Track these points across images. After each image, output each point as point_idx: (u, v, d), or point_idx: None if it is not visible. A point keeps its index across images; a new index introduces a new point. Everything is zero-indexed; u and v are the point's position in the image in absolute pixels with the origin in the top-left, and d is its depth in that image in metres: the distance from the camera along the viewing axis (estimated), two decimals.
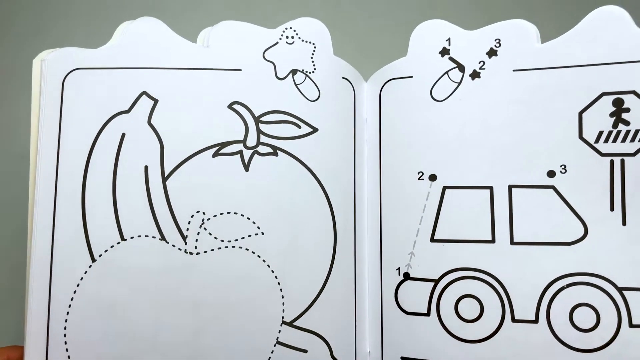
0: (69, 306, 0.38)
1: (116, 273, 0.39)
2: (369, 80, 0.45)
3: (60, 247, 0.39)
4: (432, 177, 0.43)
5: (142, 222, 0.40)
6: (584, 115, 0.40)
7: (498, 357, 0.41)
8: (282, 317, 0.41)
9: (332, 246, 0.43)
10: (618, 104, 0.39)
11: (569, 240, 0.40)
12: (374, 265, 0.44)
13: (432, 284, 0.42)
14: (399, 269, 0.43)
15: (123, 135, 0.40)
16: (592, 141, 0.40)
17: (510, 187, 0.41)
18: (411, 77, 0.44)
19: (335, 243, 0.43)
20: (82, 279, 0.38)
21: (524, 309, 0.41)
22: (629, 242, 0.39)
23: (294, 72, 0.42)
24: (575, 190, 0.40)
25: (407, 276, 0.43)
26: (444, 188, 0.42)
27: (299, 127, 0.42)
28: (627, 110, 0.39)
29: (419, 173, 0.43)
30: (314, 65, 0.43)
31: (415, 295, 0.43)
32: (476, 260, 0.42)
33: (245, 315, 0.40)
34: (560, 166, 0.40)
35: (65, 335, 0.38)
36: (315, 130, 0.43)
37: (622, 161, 0.39)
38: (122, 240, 0.39)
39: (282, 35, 0.42)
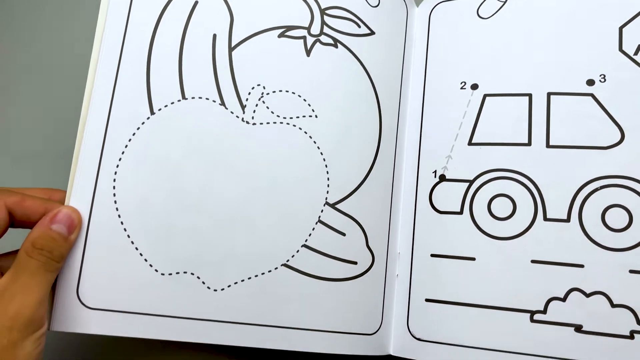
0: (122, 153, 0.33)
1: (173, 129, 0.34)
2: (421, 5, 0.42)
3: (121, 95, 0.33)
4: (474, 86, 0.39)
5: (204, 85, 0.35)
6: (624, 29, 0.36)
7: (528, 253, 0.36)
8: (326, 199, 0.36)
9: (376, 141, 0.38)
10: None
11: (605, 145, 0.35)
12: (411, 167, 0.39)
13: (467, 184, 0.38)
14: (435, 171, 0.39)
15: (196, 2, 0.35)
16: (631, 54, 0.36)
17: (549, 94, 0.37)
18: None
19: (380, 139, 0.39)
20: (138, 129, 0.33)
21: (557, 209, 0.36)
22: None
23: None
24: (614, 98, 0.36)
25: (442, 178, 0.38)
26: (485, 96, 0.38)
27: (359, 26, 0.39)
28: None
29: (461, 83, 0.39)
30: None
31: (450, 196, 0.38)
32: (511, 162, 0.37)
33: (292, 190, 0.36)
34: (600, 75, 0.36)
35: (114, 181, 0.33)
36: (372, 33, 0.39)
37: None
38: (183, 98, 0.34)
39: None
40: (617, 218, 0.35)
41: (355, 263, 0.37)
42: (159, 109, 0.34)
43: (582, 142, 0.36)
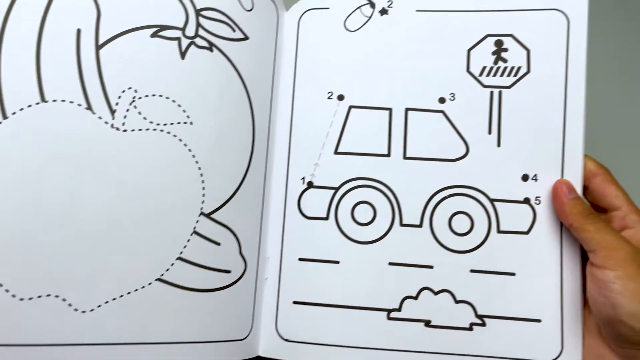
0: None
1: (31, 136, 0.31)
2: (290, 9, 0.42)
3: None
4: (340, 97, 0.41)
5: (68, 86, 0.32)
6: (471, 52, 0.40)
7: (386, 256, 0.39)
8: (202, 209, 0.36)
9: (250, 148, 0.39)
10: (499, 44, 0.40)
11: (452, 157, 0.39)
12: (281, 174, 0.41)
13: (332, 191, 0.40)
14: (303, 178, 0.40)
15: None
16: (476, 74, 0.40)
17: (407, 109, 0.40)
18: (328, 8, 0.41)
19: (253, 146, 0.39)
20: None
21: (411, 215, 0.39)
22: (501, 161, 0.39)
23: None
24: (461, 115, 0.40)
25: (310, 184, 0.40)
26: (350, 107, 0.40)
27: (234, 30, 0.38)
28: (506, 50, 0.39)
29: (328, 93, 0.41)
30: None
31: (317, 202, 0.40)
32: (373, 171, 0.40)
33: (166, 201, 0.35)
34: (450, 94, 0.40)
35: None
36: (246, 37, 0.39)
37: (500, 92, 0.39)
38: (42, 100, 0.31)
39: None
40: (461, 223, 0.39)
41: (229, 272, 0.38)
42: (13, 113, 0.31)
43: (434, 155, 0.40)
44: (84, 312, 0.32)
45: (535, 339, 0.38)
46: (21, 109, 0.31)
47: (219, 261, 0.37)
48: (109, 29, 0.34)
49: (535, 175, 0.39)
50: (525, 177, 0.39)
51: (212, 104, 0.37)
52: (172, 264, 0.35)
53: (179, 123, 0.35)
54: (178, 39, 0.36)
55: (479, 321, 0.38)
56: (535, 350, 0.38)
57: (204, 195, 0.36)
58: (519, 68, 0.40)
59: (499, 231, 0.39)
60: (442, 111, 0.40)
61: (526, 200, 0.39)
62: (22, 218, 0.30)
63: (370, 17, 0.41)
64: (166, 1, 0.36)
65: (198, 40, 0.37)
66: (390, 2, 0.41)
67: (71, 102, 0.32)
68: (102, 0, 0.33)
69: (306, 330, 0.39)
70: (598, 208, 0.39)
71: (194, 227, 0.36)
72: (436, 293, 0.39)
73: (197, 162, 0.36)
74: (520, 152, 0.39)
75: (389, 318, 0.39)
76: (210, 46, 0.37)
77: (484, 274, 0.39)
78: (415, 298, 0.39)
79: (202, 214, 0.36)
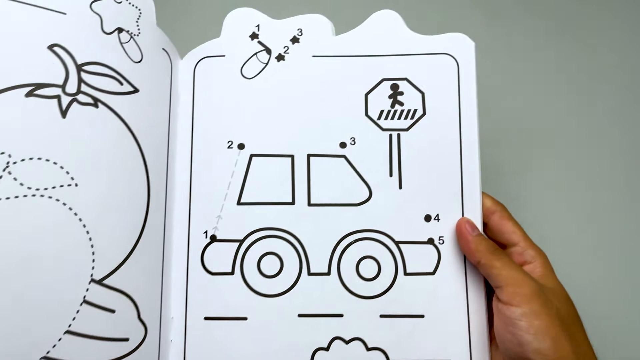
0: None
1: None
2: (185, 58, 0.41)
3: None
4: (241, 146, 0.40)
5: None
6: (369, 96, 0.40)
7: (295, 308, 0.38)
8: (92, 275, 0.33)
9: (145, 206, 0.37)
10: (394, 88, 0.40)
11: (356, 202, 0.39)
12: (182, 230, 0.39)
13: (237, 244, 0.39)
14: (206, 232, 0.39)
15: None
16: (375, 118, 0.40)
17: (309, 155, 0.40)
18: (224, 56, 0.41)
19: (149, 203, 0.37)
20: None
21: (319, 263, 0.39)
22: (403, 203, 0.39)
23: (119, 30, 0.36)
24: (362, 159, 0.40)
25: (213, 238, 0.39)
26: (251, 156, 0.39)
27: (122, 84, 0.36)
28: (402, 93, 0.40)
29: (228, 142, 0.40)
30: (138, 28, 0.38)
31: (221, 256, 0.39)
32: (278, 220, 0.39)
33: (50, 269, 0.32)
34: (350, 138, 0.40)
35: None
36: (136, 90, 0.37)
37: (399, 135, 0.40)
38: None
39: None
40: (368, 268, 0.39)
41: (126, 339, 0.35)
42: None
43: (338, 200, 0.40)
44: None
45: None
46: None
47: (115, 329, 0.35)
48: None
49: (437, 215, 0.40)
50: (427, 218, 0.40)
51: (100, 163, 0.35)
52: (60, 339, 0.32)
53: (62, 186, 0.33)
54: (58, 96, 0.33)
55: None
56: None
57: (93, 260, 0.34)
58: (415, 110, 0.40)
59: (406, 273, 0.39)
60: (343, 156, 0.40)
61: (430, 241, 0.39)
62: None
63: (267, 64, 0.41)
64: (42, 58, 0.33)
65: (81, 97, 0.34)
66: (286, 48, 0.41)
67: None
68: None
69: None
70: (497, 244, 0.39)
71: (84, 296, 0.33)
72: (347, 342, 0.38)
73: (84, 225, 0.34)
74: (422, 193, 0.40)
75: None
76: (95, 102, 0.35)
77: (393, 318, 0.39)
78: (327, 349, 0.38)
79: (92, 280, 0.34)
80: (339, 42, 0.41)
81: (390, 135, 0.40)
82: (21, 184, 0.32)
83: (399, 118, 0.40)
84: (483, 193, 0.40)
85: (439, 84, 0.40)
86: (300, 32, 0.41)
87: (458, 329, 0.39)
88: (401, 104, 0.41)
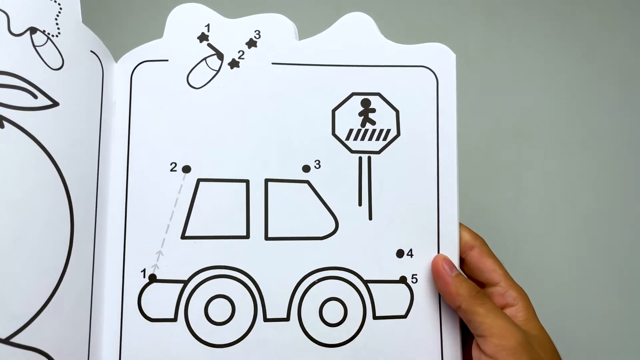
0: None
1: None
2: (120, 61, 0.35)
3: None
4: (186, 169, 0.34)
5: None
6: (336, 112, 0.35)
7: (250, 359, 0.33)
8: None
9: (67, 245, 0.30)
10: (366, 104, 0.35)
11: (321, 235, 0.34)
12: (115, 268, 0.33)
13: (181, 285, 0.33)
14: (144, 270, 0.33)
15: None
16: (343, 138, 0.35)
17: (267, 180, 0.34)
18: (167, 60, 0.34)
19: (72, 241, 0.31)
20: None
21: (276, 307, 0.34)
22: (374, 236, 0.35)
23: (33, 30, 0.30)
24: (328, 185, 0.35)
25: (153, 278, 0.33)
26: (198, 180, 0.34)
27: (36, 97, 0.29)
28: (374, 110, 0.35)
29: (171, 164, 0.34)
30: (58, 28, 0.31)
31: (162, 299, 0.33)
32: (230, 257, 0.33)
33: None
34: (315, 161, 0.35)
35: None
36: (55, 104, 0.30)
37: (369, 158, 0.35)
38: None
39: None
40: (333, 312, 0.34)
41: None
42: None
43: (300, 233, 0.35)
44: None
45: None
46: None
47: None
48: None
49: (410, 250, 0.35)
50: (400, 253, 0.35)
51: (5, 197, 0.28)
52: None
53: None
54: None
55: None
56: None
57: None
58: (388, 131, 0.36)
59: (375, 317, 0.35)
60: (307, 181, 0.35)
61: (402, 279, 0.35)
62: None
63: (218, 71, 0.35)
64: None
65: None
66: (241, 53, 0.35)
67: None
68: None
69: None
70: (475, 282, 0.36)
71: None
72: None
73: None
74: (394, 225, 0.35)
75: None
76: (1, 121, 0.28)
77: None
78: None
79: None
80: (302, 48, 0.36)
81: (360, 158, 0.35)
82: None
83: (370, 139, 0.36)
84: (461, 225, 0.36)
85: (415, 101, 0.36)
86: (258, 34, 0.35)
87: None
88: (373, 122, 0.36)
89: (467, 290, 0.34)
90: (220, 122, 0.34)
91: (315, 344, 0.34)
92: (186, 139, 0.34)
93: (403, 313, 0.35)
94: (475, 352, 0.34)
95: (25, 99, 0.29)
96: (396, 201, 0.35)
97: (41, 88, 0.30)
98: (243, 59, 0.35)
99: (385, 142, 0.36)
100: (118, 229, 0.33)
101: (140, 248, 0.33)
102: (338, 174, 0.35)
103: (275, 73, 0.35)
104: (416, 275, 0.35)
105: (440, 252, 0.35)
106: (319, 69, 0.35)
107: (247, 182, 0.34)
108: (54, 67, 0.31)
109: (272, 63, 0.35)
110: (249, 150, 0.35)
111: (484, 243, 0.36)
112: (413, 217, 0.35)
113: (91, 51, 0.33)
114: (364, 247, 0.35)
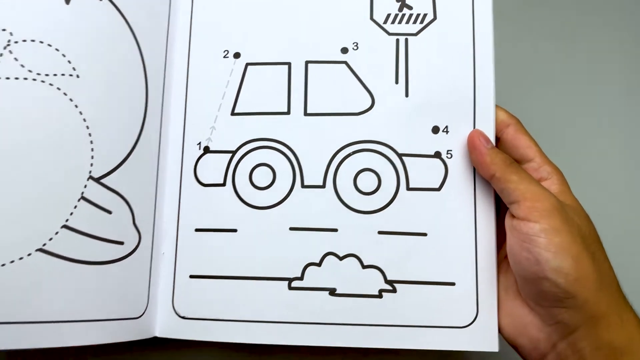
0: None
1: None
2: None
3: None
4: (237, 55, 0.38)
5: None
6: None
7: (287, 221, 0.36)
8: (90, 172, 0.33)
9: (143, 110, 0.36)
10: None
11: (357, 111, 0.36)
12: (177, 139, 0.38)
13: (230, 155, 0.37)
14: (199, 143, 0.37)
15: None
16: (381, 22, 0.37)
17: (307, 62, 0.37)
18: None
19: (146, 108, 0.36)
20: None
21: (313, 175, 0.36)
22: (409, 113, 0.36)
23: None
24: (365, 65, 0.37)
25: (207, 150, 0.37)
26: (247, 65, 0.38)
27: None
28: None
29: (224, 51, 0.38)
30: None
31: (213, 168, 0.37)
32: (272, 131, 0.37)
33: (48, 161, 0.31)
34: (353, 43, 0.37)
35: None
36: None
37: (407, 40, 0.37)
38: None
39: None
40: (367, 182, 0.36)
41: (122, 243, 0.35)
42: None
43: (337, 109, 0.37)
44: None
45: (450, 304, 0.35)
46: None
47: (111, 231, 0.34)
48: None
49: (446, 127, 0.36)
50: (435, 130, 0.36)
51: (101, 57, 0.34)
52: (57, 233, 0.31)
53: (63, 75, 0.32)
54: None
55: (388, 287, 0.35)
56: (449, 316, 0.35)
57: (92, 157, 0.33)
58: (424, 15, 0.37)
59: (409, 188, 0.36)
60: (344, 62, 0.37)
61: (437, 154, 0.36)
62: None
63: None
64: None
65: None
66: None
67: None
68: None
69: (203, 306, 0.36)
70: None
71: (82, 192, 0.33)
72: (341, 258, 0.36)
73: (84, 120, 0.33)
74: (430, 103, 0.36)
75: (290, 288, 0.35)
76: None
77: (393, 236, 0.35)
78: (319, 265, 0.36)
79: (90, 177, 0.33)
80: None
81: (397, 40, 0.37)
82: (22, 66, 0.31)
83: (407, 22, 0.37)
84: (496, 106, 0.36)
85: None
86: None
87: (464, 249, 0.35)
88: (410, 7, 0.37)
89: (502, 160, 0.34)
90: (266, 12, 0.38)
91: (349, 209, 0.36)
92: (237, 29, 0.39)
93: (437, 186, 0.36)
94: (508, 220, 0.34)
95: None
96: (433, 80, 0.36)
97: None
98: None
99: (422, 25, 0.37)
100: (180, 106, 0.38)
101: (197, 124, 0.38)
102: (375, 54, 0.37)
103: None
104: (451, 151, 0.36)
105: (476, 128, 0.36)
106: None
107: (289, 64, 0.38)
108: None
109: None
110: (291, 36, 0.38)
111: (519, 122, 0.36)
112: (449, 96, 0.36)
113: None
114: (400, 123, 0.36)
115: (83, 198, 0.33)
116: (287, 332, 0.35)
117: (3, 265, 0.30)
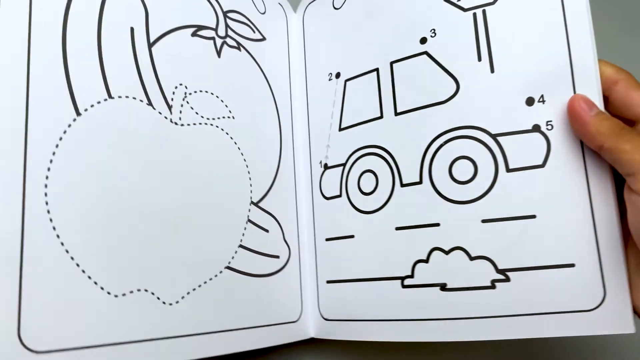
0: (51, 162, 0.28)
1: (103, 131, 0.31)
2: (297, 10, 0.45)
3: (37, 98, 0.28)
4: (337, 75, 0.41)
5: (129, 82, 0.33)
6: None
7: (392, 221, 0.37)
8: (251, 198, 0.39)
9: (279, 140, 0.42)
10: None
11: (443, 99, 0.35)
12: (305, 160, 0.43)
13: (342, 168, 0.40)
14: (321, 161, 0.41)
15: None
16: (455, 0, 0.35)
17: (392, 63, 0.38)
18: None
19: (281, 138, 0.42)
20: (65, 132, 0.29)
21: (410, 173, 0.36)
22: (498, 88, 0.33)
23: None
24: (445, 49, 0.35)
25: (326, 166, 0.41)
26: (345, 81, 0.40)
27: (254, 31, 0.42)
28: None
29: (329, 75, 0.41)
30: None
31: (332, 181, 0.40)
32: (370, 137, 0.38)
33: (223, 191, 0.37)
34: (430, 30, 0.36)
35: (46, 195, 0.28)
36: (264, 38, 0.42)
37: (484, 12, 0.34)
38: (109, 97, 0.31)
39: None
40: (463, 170, 0.35)
41: (277, 257, 0.40)
42: (85, 110, 0.30)
43: (423, 102, 0.36)
44: (170, 304, 0.33)
45: (572, 287, 0.31)
46: (92, 105, 0.31)
47: (269, 247, 0.40)
48: (157, 28, 0.35)
49: (541, 96, 0.32)
50: (530, 101, 0.33)
51: (245, 99, 0.40)
52: (236, 252, 0.37)
53: (223, 117, 0.38)
54: (213, 38, 0.39)
55: (501, 277, 0.33)
56: (572, 299, 0.31)
57: (251, 185, 0.39)
58: None
59: (509, 170, 0.33)
60: (425, 52, 0.37)
61: (536, 128, 0.32)
62: (100, 212, 0.30)
63: None
64: (199, 3, 0.38)
65: (229, 40, 0.40)
66: None
67: (134, 97, 0.33)
68: (148, 1, 0.35)
69: (339, 307, 0.39)
70: (623, 121, 0.30)
71: (248, 215, 0.38)
72: (447, 252, 0.35)
73: (242, 153, 0.39)
74: (520, 73, 0.33)
75: (403, 286, 0.36)
76: (239, 46, 0.40)
77: (498, 222, 0.33)
78: (427, 261, 0.35)
79: (252, 202, 0.39)
80: None
81: (475, 14, 0.35)
82: (196, 113, 0.36)
83: None
84: (601, 61, 0.31)
85: None
86: None
87: (580, 227, 0.31)
88: None
89: (609, 127, 0.29)
90: (354, 29, 0.41)
91: (448, 201, 0.35)
92: (334, 51, 0.42)
93: (540, 162, 0.32)
94: (627, 194, 0.29)
95: (249, 32, 0.42)
96: (519, 49, 0.33)
97: (256, 26, 0.42)
98: None
99: None
100: (304, 132, 0.43)
101: (317, 144, 0.42)
102: (454, 35, 0.35)
103: None
104: (551, 121, 0.32)
105: (577, 92, 0.31)
106: None
107: (377, 70, 0.39)
108: (261, 12, 0.43)
109: None
110: (375, 42, 0.39)
111: (630, 76, 0.31)
112: (540, 62, 0.32)
113: (278, 3, 0.45)
114: (489, 101, 0.34)
115: (249, 220, 0.38)
116: (403, 329, 0.36)
117: (205, 282, 0.35)
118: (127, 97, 0.32)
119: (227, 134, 0.38)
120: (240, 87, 0.40)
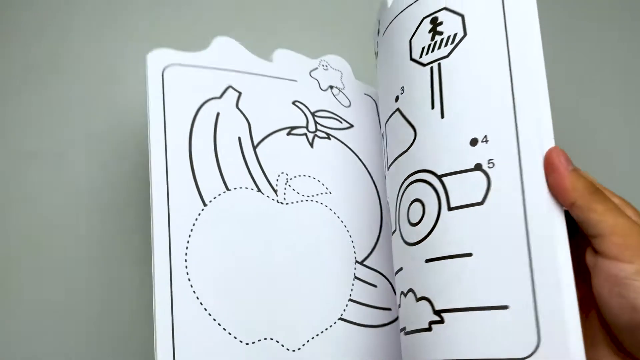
0: (188, 242, 0.38)
1: (225, 215, 0.40)
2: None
3: (175, 194, 0.38)
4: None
5: (241, 177, 0.41)
6: (412, 40, 0.38)
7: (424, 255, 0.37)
8: (355, 257, 0.44)
9: (379, 208, 0.48)
10: (434, 21, 0.37)
11: (405, 148, 0.37)
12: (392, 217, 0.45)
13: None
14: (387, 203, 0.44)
15: (218, 114, 0.42)
16: (417, 58, 0.37)
17: (385, 123, 0.41)
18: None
19: (381, 206, 0.48)
20: (196, 219, 0.38)
21: (392, 221, 0.40)
22: (447, 132, 0.35)
23: (331, 87, 0.50)
24: (410, 103, 0.38)
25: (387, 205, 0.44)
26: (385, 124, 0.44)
27: (341, 122, 0.49)
28: (441, 23, 0.36)
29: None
30: (343, 84, 0.51)
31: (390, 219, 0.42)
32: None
33: (329, 254, 0.43)
34: (400, 88, 0.38)
35: (186, 267, 0.37)
36: (352, 125, 0.49)
37: (439, 65, 0.36)
38: (227, 190, 0.40)
39: (319, 64, 0.51)
40: (415, 212, 0.36)
41: (389, 309, 0.44)
42: (210, 201, 0.40)
43: (397, 153, 0.39)
44: (294, 350, 0.39)
45: (505, 331, 0.30)
46: (214, 197, 0.40)
47: (380, 300, 0.44)
48: (258, 134, 0.44)
49: (485, 136, 0.33)
50: (474, 142, 0.34)
51: (340, 177, 0.47)
52: (347, 305, 0.42)
53: (322, 194, 0.45)
54: (305, 134, 0.47)
55: (437, 318, 0.33)
56: (506, 345, 0.30)
57: (354, 247, 0.45)
58: (454, 35, 0.36)
59: (450, 208, 0.34)
60: (397, 109, 0.39)
61: (477, 167, 0.33)
62: (230, 277, 0.39)
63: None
64: (291, 110, 0.47)
65: (319, 133, 0.47)
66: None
67: (246, 187, 0.42)
68: (249, 114, 0.44)
69: None
70: None
71: (354, 273, 0.44)
72: (405, 295, 0.37)
73: (342, 221, 0.45)
74: (465, 117, 0.34)
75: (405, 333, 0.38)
76: (328, 136, 0.48)
77: (438, 261, 0.34)
78: (399, 306, 0.38)
79: (356, 261, 0.44)
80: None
81: (432, 68, 0.37)
82: (298, 193, 0.44)
83: (439, 47, 0.37)
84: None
85: (479, 2, 0.36)
86: None
87: (516, 267, 0.30)
88: (440, 33, 0.37)
89: (585, 186, 0.30)
90: None
91: (406, 244, 0.37)
92: None
93: (480, 200, 0.33)
94: (590, 257, 0.30)
95: (336, 124, 0.49)
96: (467, 94, 0.35)
97: (343, 117, 0.50)
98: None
99: (452, 45, 0.36)
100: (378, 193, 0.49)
101: (383, 190, 0.48)
102: (415, 89, 0.37)
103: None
104: (492, 159, 0.33)
105: (520, 133, 0.32)
106: (400, 15, 0.40)
107: (383, 133, 0.43)
108: (345, 105, 0.50)
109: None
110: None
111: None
112: (485, 105, 0.34)
113: (365, 94, 0.52)
114: (438, 146, 0.35)
115: (356, 277, 0.44)
116: None
117: (322, 332, 0.41)
118: (240, 187, 0.42)
119: (326, 206, 0.45)
120: (334, 167, 0.47)
